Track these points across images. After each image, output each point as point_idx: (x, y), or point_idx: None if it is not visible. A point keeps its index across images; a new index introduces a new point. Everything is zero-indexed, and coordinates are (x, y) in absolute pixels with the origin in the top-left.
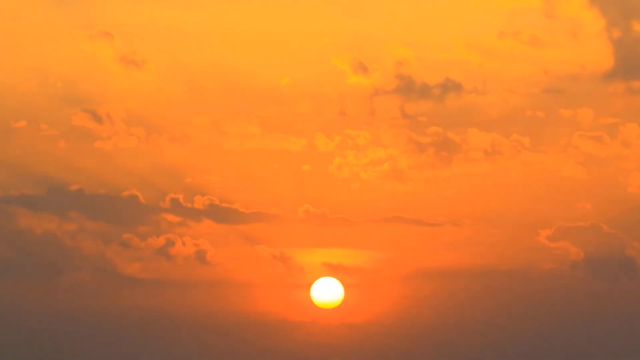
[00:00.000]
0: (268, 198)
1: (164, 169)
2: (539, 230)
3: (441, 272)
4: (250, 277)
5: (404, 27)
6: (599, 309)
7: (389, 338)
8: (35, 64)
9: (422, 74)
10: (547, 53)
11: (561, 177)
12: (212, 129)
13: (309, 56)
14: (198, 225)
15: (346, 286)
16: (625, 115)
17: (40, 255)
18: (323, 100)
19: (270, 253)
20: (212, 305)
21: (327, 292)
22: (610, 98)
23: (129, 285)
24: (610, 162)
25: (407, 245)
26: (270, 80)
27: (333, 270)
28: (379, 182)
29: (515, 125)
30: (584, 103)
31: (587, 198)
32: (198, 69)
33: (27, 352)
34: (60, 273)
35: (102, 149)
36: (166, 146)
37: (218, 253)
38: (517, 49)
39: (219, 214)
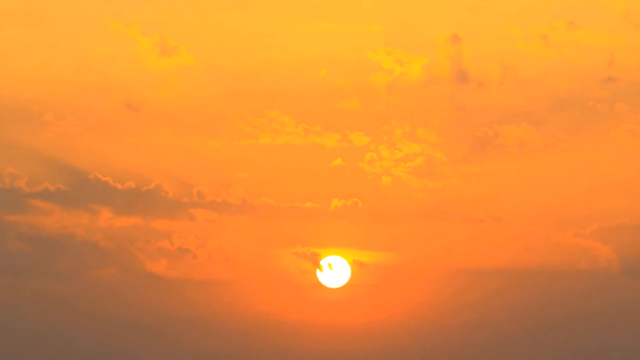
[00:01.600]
0: (297, 193)
1: (195, 163)
2: (578, 227)
3: (475, 270)
4: (273, 277)
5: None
6: None
7: (421, 338)
8: (66, 56)
9: (460, 67)
10: (595, 45)
11: (603, 173)
12: (244, 123)
13: (347, 48)
14: (228, 221)
15: (376, 284)
16: None
17: (66, 251)
18: (360, 94)
19: (298, 252)
20: (232, 305)
21: (336, 272)
22: None
23: (155, 283)
24: None
25: (441, 242)
26: (307, 73)
27: (363, 267)
28: (411, 177)
29: (556, 119)
30: (623, 98)
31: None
32: (233, 62)
33: (51, 349)
34: (87, 270)
35: (132, 143)
36: (198, 140)
37: (244, 251)
38: (559, 41)
39: (249, 209)
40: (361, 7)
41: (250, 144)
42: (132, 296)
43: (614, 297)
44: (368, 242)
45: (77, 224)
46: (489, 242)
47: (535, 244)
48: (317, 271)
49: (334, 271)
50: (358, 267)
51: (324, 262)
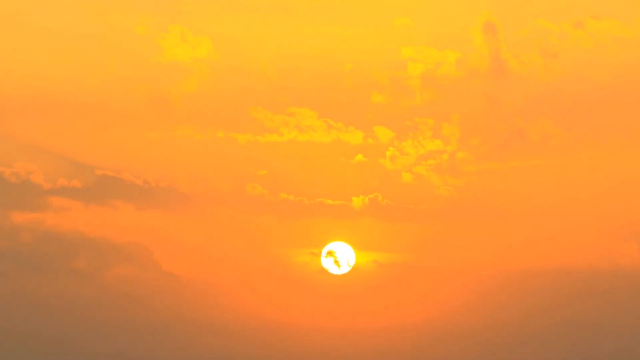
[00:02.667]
0: (317, 190)
1: (219, 160)
2: (605, 225)
3: (499, 269)
4: (289, 277)
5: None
6: None
7: (447, 339)
8: (90, 54)
9: (490, 62)
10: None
11: (635, 171)
12: (267, 119)
13: (374, 40)
14: (248, 217)
15: (400, 286)
16: None
17: (86, 247)
18: (384, 88)
19: (315, 252)
20: (248, 305)
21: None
22: None
23: (175, 282)
24: None
25: (462, 240)
26: (333, 67)
27: (383, 267)
28: (432, 174)
29: (587, 115)
30: None
31: None
32: (256, 56)
33: (71, 345)
34: (108, 267)
35: (155, 139)
36: (221, 138)
37: (261, 250)
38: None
39: (271, 205)
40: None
41: (272, 140)
42: (149, 295)
43: None
44: (388, 241)
45: (96, 220)
46: (512, 240)
47: (559, 242)
48: (333, 269)
49: (351, 269)
50: (378, 267)
51: (343, 260)
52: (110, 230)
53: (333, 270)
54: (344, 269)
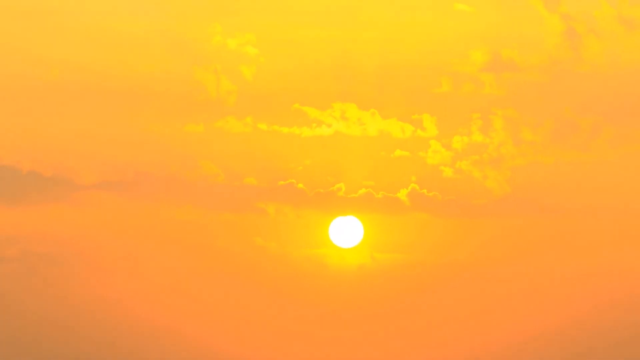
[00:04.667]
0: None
1: (258, 151)
2: None
3: (543, 268)
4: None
5: None
6: None
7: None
8: (135, 46)
9: (545, 55)
10: None
11: None
12: (310, 112)
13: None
14: (283, 212)
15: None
16: None
17: (130, 244)
18: (428, 79)
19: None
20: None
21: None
22: None
23: (219, 280)
24: None
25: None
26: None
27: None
28: (475, 168)
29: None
30: None
31: None
32: (303, 50)
33: (115, 342)
34: (149, 264)
35: (193, 132)
36: (262, 132)
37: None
38: None
39: (306, 200)
40: None
41: (314, 134)
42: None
43: None
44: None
45: (134, 215)
46: (558, 237)
47: (605, 239)
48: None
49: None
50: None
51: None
52: (151, 225)
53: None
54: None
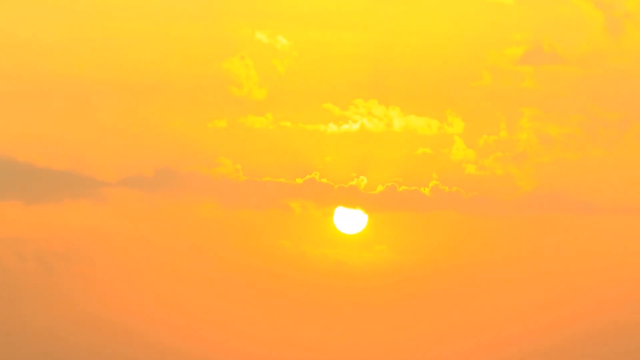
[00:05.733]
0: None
1: (282, 151)
2: None
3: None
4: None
5: None
6: None
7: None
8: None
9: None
10: None
11: None
12: (333, 108)
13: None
14: (307, 208)
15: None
16: None
17: (151, 241)
18: (456, 74)
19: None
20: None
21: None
22: None
23: (241, 277)
24: None
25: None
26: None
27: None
28: (500, 166)
29: None
30: None
31: None
32: (333, 45)
33: (137, 338)
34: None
35: (217, 129)
36: (286, 129)
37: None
38: None
39: (330, 195)
40: None
41: (337, 131)
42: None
43: None
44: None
45: (157, 211)
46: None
47: (632, 237)
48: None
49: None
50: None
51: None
52: (174, 222)
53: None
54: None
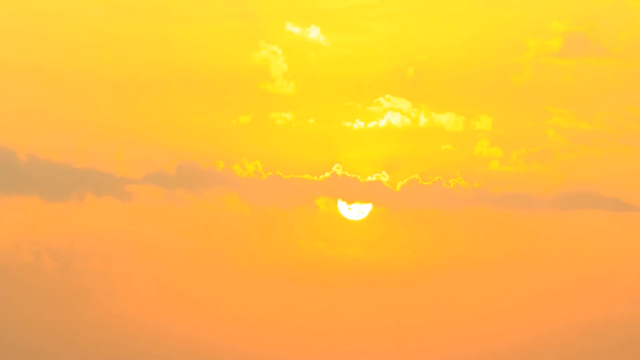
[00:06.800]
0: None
1: (303, 144)
2: None
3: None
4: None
5: None
6: None
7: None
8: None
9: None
10: None
11: None
12: (357, 105)
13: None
14: (332, 205)
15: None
16: None
17: (174, 237)
18: (489, 69)
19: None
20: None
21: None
22: None
23: (267, 274)
24: None
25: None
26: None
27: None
28: (524, 162)
29: None
30: None
31: None
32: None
33: (166, 334)
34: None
35: (242, 125)
36: (312, 124)
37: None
38: None
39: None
40: None
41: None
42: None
43: None
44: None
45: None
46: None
47: None
48: None
49: None
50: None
51: None
52: (197, 218)
53: None
54: None
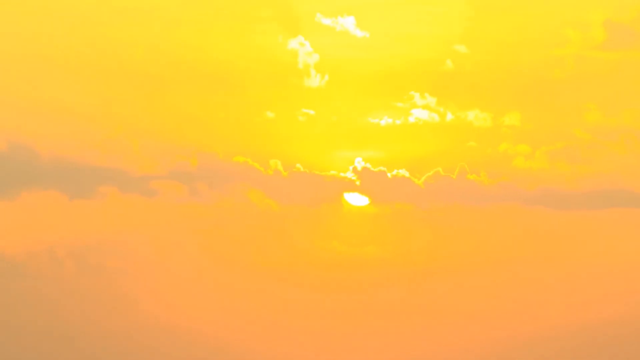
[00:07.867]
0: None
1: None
2: None
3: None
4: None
5: None
6: None
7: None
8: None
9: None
10: None
11: None
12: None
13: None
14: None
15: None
16: None
17: (198, 236)
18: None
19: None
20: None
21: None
22: None
23: (292, 273)
24: None
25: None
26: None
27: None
28: (548, 160)
29: None
30: None
31: None
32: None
33: (185, 332)
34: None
35: (269, 120)
36: (338, 121)
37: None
38: None
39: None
40: None
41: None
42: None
43: None
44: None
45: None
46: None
47: None
48: None
49: None
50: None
51: None
52: (221, 213)
53: None
54: None
